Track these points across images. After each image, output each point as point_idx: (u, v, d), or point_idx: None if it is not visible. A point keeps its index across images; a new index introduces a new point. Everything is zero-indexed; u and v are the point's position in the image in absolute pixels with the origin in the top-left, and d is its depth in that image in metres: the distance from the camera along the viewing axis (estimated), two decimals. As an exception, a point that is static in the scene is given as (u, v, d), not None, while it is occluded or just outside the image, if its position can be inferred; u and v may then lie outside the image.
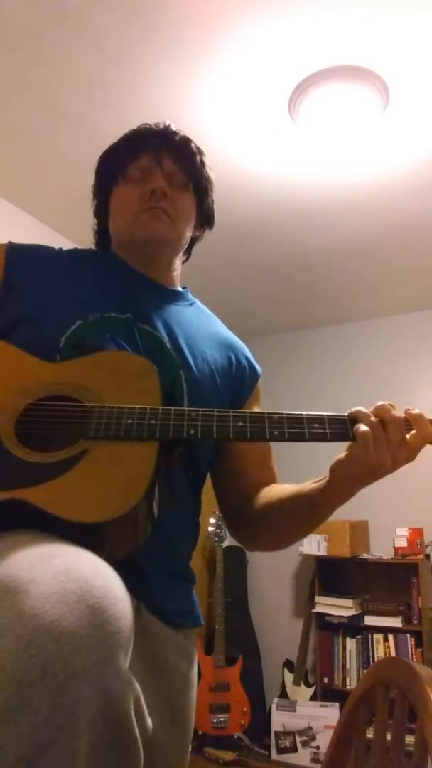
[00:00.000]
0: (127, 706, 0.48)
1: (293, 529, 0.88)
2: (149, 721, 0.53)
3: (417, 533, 3.28)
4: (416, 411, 0.76)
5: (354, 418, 0.76)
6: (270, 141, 2.21)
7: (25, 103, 2.02)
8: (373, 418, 0.75)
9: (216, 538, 3.55)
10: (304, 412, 0.76)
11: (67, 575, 0.49)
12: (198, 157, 0.99)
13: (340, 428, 0.76)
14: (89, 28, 1.72)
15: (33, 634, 0.43)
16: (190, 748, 0.83)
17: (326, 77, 1.89)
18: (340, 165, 2.36)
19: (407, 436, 0.75)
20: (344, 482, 0.78)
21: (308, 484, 0.83)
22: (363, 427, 0.74)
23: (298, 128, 2.11)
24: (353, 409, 0.77)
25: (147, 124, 1.00)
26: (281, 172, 2.39)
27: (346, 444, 0.78)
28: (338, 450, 0.79)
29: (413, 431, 0.75)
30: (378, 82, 1.90)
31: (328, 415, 0.76)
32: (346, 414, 0.77)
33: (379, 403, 0.77)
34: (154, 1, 1.64)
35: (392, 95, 1.96)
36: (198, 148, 1.00)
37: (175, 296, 1.01)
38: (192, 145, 0.99)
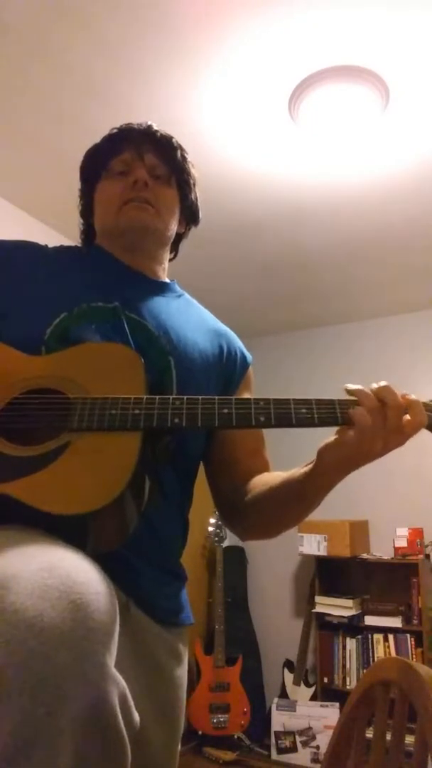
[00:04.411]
0: (111, 701, 0.47)
1: (284, 515, 0.87)
2: (136, 717, 0.52)
3: (417, 533, 3.28)
4: (413, 396, 0.73)
5: (352, 395, 0.73)
6: (270, 141, 2.20)
7: (26, 103, 2.02)
8: (375, 401, 0.72)
9: (216, 538, 3.55)
10: (291, 398, 0.74)
11: (49, 571, 0.49)
12: (179, 152, 1.00)
13: (328, 412, 0.73)
14: (89, 28, 1.72)
15: (14, 630, 0.43)
16: (179, 746, 0.83)
17: (326, 77, 1.89)
18: (340, 165, 2.36)
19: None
20: (331, 466, 0.75)
21: (297, 470, 0.82)
22: (362, 412, 0.70)
23: (298, 128, 2.11)
24: (353, 387, 0.73)
25: (129, 123, 1.01)
26: (281, 171, 2.38)
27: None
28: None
29: (408, 417, 0.72)
30: (378, 82, 1.90)
31: (315, 400, 0.74)
32: (342, 399, 0.74)
33: (383, 383, 0.73)
34: (155, 0, 1.64)
35: (392, 95, 1.96)
36: (179, 145, 1.01)
37: (163, 288, 1.01)
38: (173, 141, 1.00)
